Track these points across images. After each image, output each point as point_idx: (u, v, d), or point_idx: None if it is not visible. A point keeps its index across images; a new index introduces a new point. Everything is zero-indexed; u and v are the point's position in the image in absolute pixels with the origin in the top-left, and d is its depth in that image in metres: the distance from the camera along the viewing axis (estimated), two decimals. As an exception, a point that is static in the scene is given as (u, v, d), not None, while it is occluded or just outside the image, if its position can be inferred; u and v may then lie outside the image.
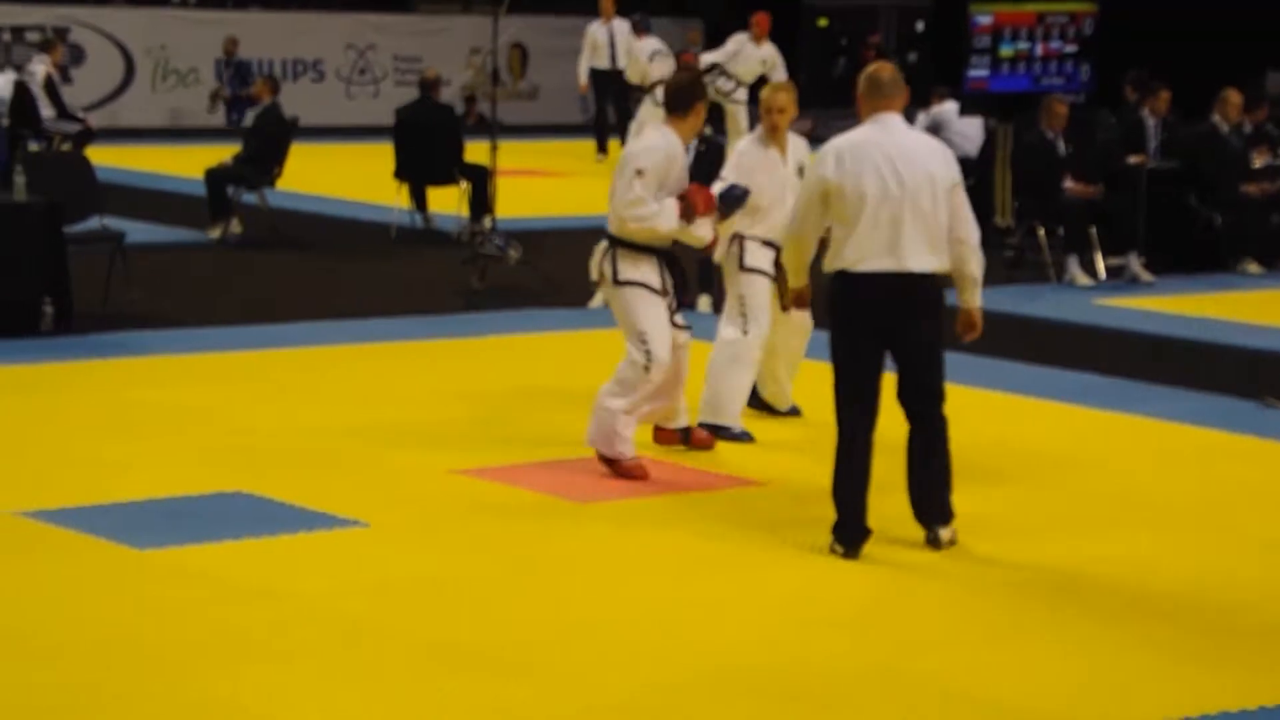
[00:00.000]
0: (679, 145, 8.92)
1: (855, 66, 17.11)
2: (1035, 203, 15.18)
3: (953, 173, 7.73)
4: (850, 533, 7.72)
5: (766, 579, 7.48)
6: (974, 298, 7.86)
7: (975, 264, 7.80)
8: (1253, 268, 15.67)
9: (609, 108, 22.55)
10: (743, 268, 9.62)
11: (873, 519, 7.74)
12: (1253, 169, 16.04)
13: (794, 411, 10.03)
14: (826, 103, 18.92)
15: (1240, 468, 9.61)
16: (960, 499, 7.97)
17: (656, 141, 8.86)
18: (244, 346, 11.67)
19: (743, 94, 20.59)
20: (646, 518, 8.27)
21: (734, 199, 9.32)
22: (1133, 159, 15.89)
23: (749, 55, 20.72)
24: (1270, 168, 16.22)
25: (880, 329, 7.67)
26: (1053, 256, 15.04)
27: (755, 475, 8.95)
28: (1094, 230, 15.03)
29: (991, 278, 14.76)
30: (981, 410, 10.44)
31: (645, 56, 21.34)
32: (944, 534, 7.83)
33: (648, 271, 8.89)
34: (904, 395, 7.82)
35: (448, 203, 16.49)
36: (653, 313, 8.86)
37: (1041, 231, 15.11)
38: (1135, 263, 15.12)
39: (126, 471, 8.73)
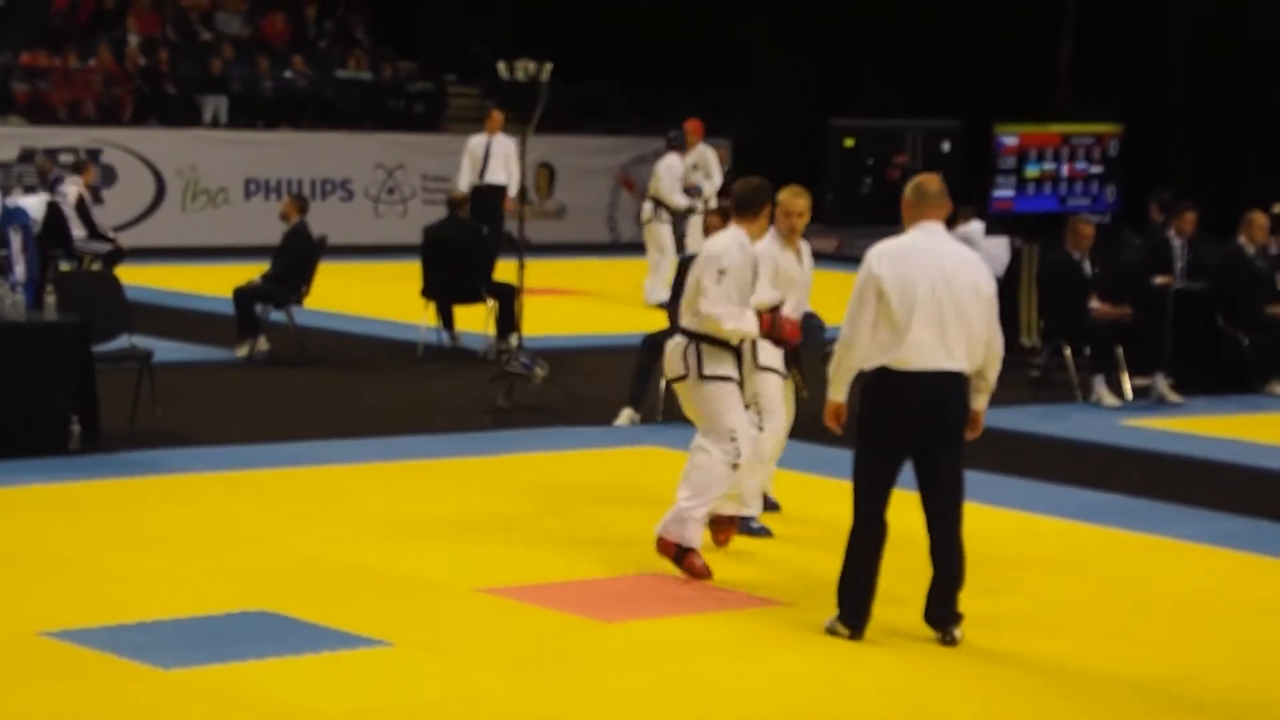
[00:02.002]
0: (751, 247, 9.26)
1: (881, 186, 17.23)
2: (1061, 323, 15.18)
3: (992, 284, 8.12)
4: (856, 618, 8.07)
5: (798, 700, 7.42)
6: (984, 402, 8.23)
7: (996, 373, 8.19)
8: (1280, 389, 15.63)
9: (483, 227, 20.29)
10: (757, 366, 9.79)
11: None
12: (1279, 290, 16.03)
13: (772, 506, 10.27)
14: (853, 221, 19.00)
15: (1270, 590, 9.53)
16: (984, 610, 7.89)
17: (732, 243, 9.15)
18: (270, 465, 11.68)
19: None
20: (674, 638, 8.22)
21: (814, 328, 9.75)
22: (1159, 280, 15.90)
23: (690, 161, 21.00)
24: (1296, 289, 16.21)
25: (917, 428, 7.94)
26: (1079, 377, 15.02)
27: (783, 594, 8.88)
28: (1120, 351, 15.02)
29: (1017, 397, 14.94)
30: (1007, 529, 10.38)
31: (686, 172, 20.88)
32: (955, 634, 8.10)
33: (730, 367, 9.12)
34: (932, 498, 8.08)
35: (474, 321, 16.55)
36: (739, 409, 9.13)
37: (1068, 351, 15.10)
38: (1162, 383, 15.09)
39: (151, 590, 8.72)
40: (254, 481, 11.22)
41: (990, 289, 8.07)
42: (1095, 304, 15.09)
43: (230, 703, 7.17)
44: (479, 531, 10.08)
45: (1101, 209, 16.96)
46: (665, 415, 13.34)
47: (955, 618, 8.15)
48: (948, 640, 8.11)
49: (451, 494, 11.02)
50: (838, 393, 8.11)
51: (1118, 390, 14.97)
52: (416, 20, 30.25)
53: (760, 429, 9.74)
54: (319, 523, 10.19)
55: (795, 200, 10.08)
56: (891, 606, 8.38)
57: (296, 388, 14.84)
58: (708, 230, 13.69)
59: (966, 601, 8.35)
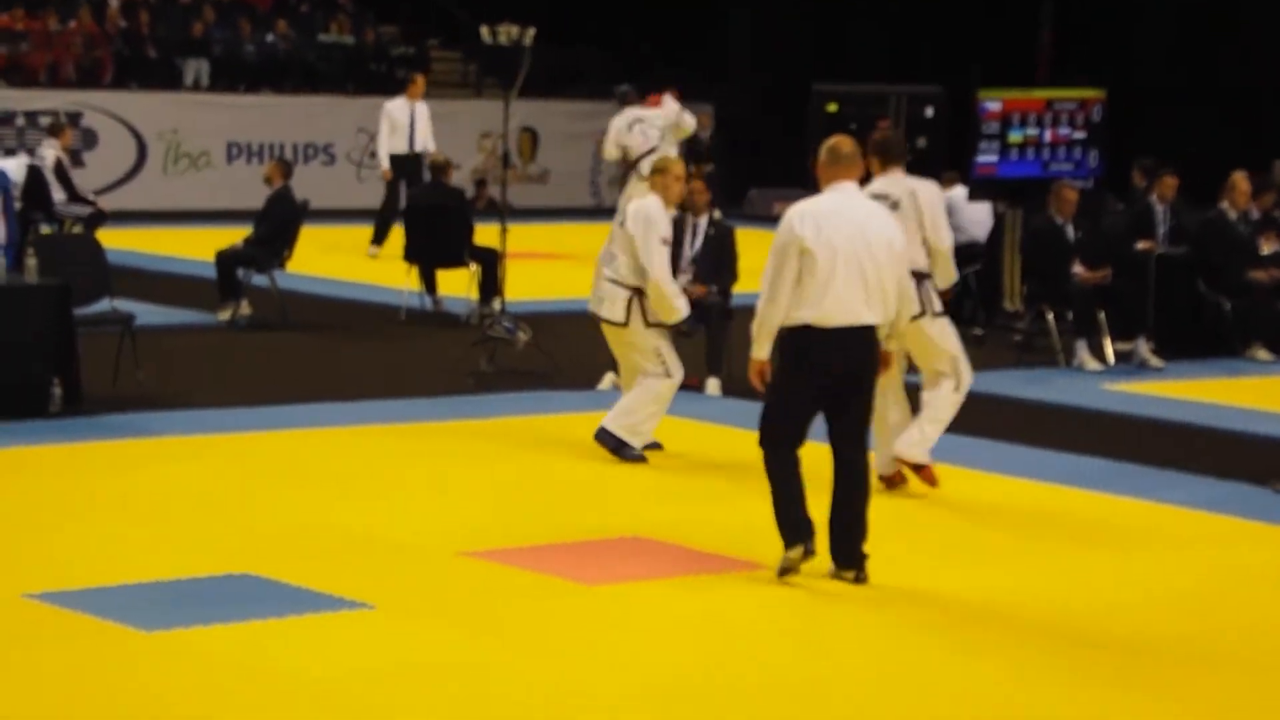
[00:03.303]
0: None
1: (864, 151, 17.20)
2: (1044, 287, 15.20)
3: (902, 239, 8.61)
4: (799, 532, 8.34)
5: (773, 662, 7.44)
6: (896, 344, 8.83)
7: (906, 318, 8.92)
8: (1261, 354, 15.65)
9: (401, 195, 20.18)
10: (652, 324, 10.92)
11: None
12: (1260, 255, 16.05)
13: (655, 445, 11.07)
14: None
15: (1249, 552, 9.57)
16: (955, 576, 7.90)
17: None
18: (253, 428, 11.67)
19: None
20: (656, 601, 8.23)
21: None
22: (1142, 245, 15.91)
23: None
24: (1277, 254, 16.24)
25: (835, 380, 8.32)
26: (1062, 341, 15.05)
27: (765, 557, 8.90)
28: (1103, 315, 15.03)
29: (1000, 361, 14.96)
30: (989, 493, 10.41)
31: (625, 127, 21.05)
32: (855, 577, 8.40)
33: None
34: (840, 443, 8.42)
35: (457, 285, 16.53)
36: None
37: (1050, 316, 15.12)
38: (1144, 348, 15.12)
39: (133, 553, 8.72)
40: (236, 445, 11.21)
41: (901, 243, 8.54)
42: (1078, 269, 15.10)
43: (211, 664, 7.17)
44: (462, 495, 10.08)
45: (1084, 174, 16.96)
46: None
47: (862, 557, 8.43)
48: (860, 579, 8.38)
49: (434, 457, 11.02)
50: (762, 350, 8.43)
51: (1100, 355, 14.99)
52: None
53: (669, 375, 10.88)
54: (301, 486, 10.18)
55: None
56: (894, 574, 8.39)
57: (279, 351, 14.82)
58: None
59: (953, 567, 8.33)
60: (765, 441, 8.43)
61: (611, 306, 10.91)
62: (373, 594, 8.10)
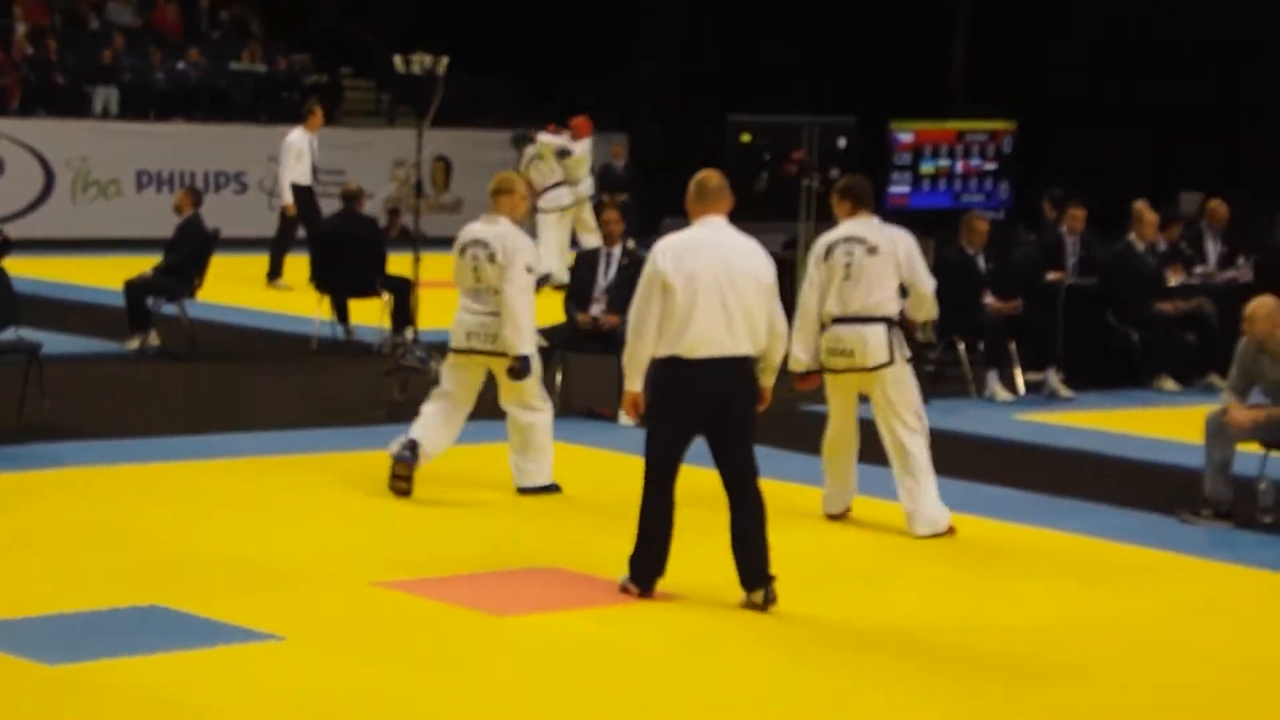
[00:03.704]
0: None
1: (777, 181, 17.25)
2: (956, 318, 15.28)
3: (772, 272, 8.59)
4: (649, 573, 8.57)
5: (680, 692, 7.42)
6: (770, 379, 8.71)
7: (780, 354, 8.76)
8: (1169, 385, 15.80)
9: (297, 228, 20.23)
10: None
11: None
12: (1167, 287, 16.22)
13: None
14: (749, 216, 19.02)
15: (1157, 582, 9.64)
16: (866, 604, 7.91)
17: None
18: (162, 458, 11.55)
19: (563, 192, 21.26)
20: (566, 632, 8.20)
21: None
22: (1052, 276, 16.04)
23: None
24: (1184, 286, 16.41)
25: (707, 411, 8.40)
26: (973, 372, 15.13)
27: (676, 587, 8.88)
28: (1014, 346, 15.14)
29: (912, 392, 14.96)
30: (899, 522, 10.43)
31: (525, 165, 21.51)
32: (764, 596, 8.48)
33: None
34: (728, 473, 8.51)
35: (370, 315, 16.45)
36: None
37: (962, 346, 15.21)
38: (1054, 378, 15.23)
39: (38, 585, 8.60)
40: (144, 475, 11.09)
41: (770, 277, 8.54)
42: (989, 300, 15.20)
43: (118, 698, 7.08)
44: (373, 525, 10.02)
45: (995, 205, 17.11)
46: (561, 409, 13.32)
47: (769, 578, 8.53)
48: (769, 599, 8.47)
49: (345, 488, 10.94)
50: (633, 383, 8.54)
51: (1011, 385, 15.09)
52: (311, 13, 30.06)
53: (547, 410, 10.83)
54: (211, 517, 10.08)
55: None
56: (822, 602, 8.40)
57: (188, 381, 14.69)
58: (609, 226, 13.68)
59: (863, 596, 8.33)
60: (646, 471, 8.55)
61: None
62: (283, 625, 8.02)
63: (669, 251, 8.44)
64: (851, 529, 10.41)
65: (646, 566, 8.60)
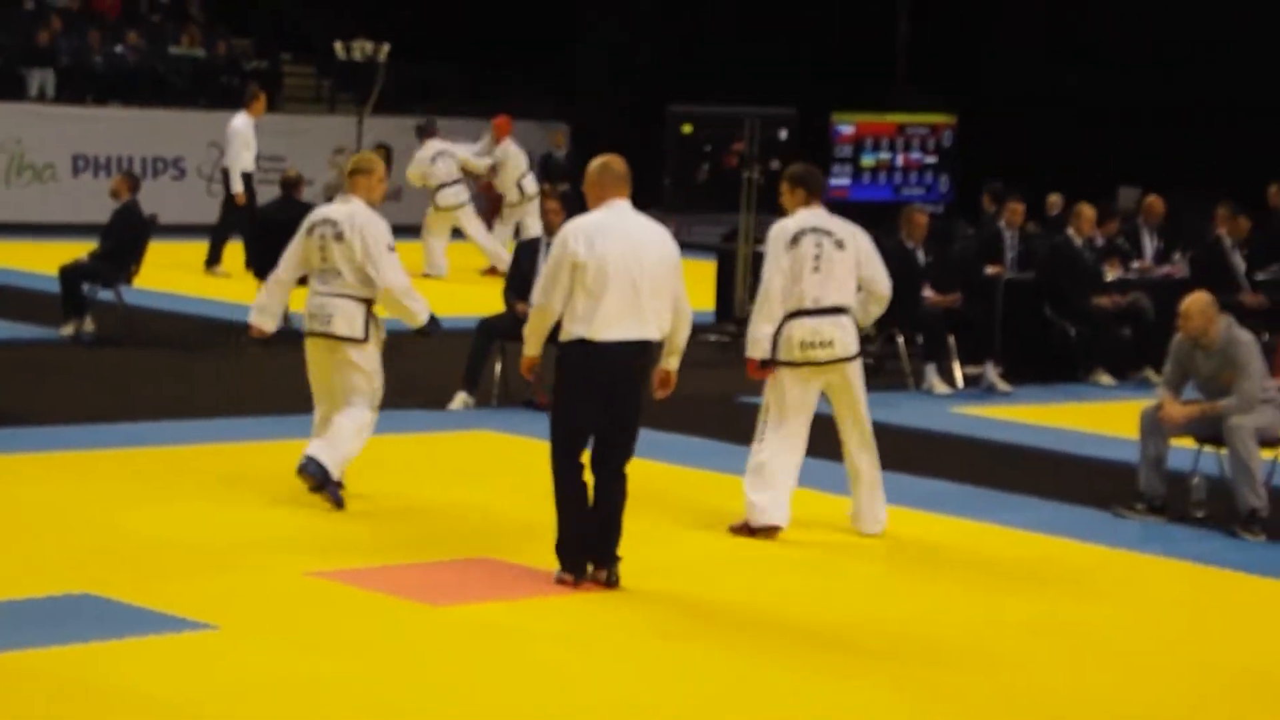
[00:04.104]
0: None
1: (718, 173, 17.25)
2: (894, 311, 15.25)
3: (677, 255, 8.69)
4: (576, 563, 8.63)
5: (615, 683, 7.42)
6: (676, 361, 8.85)
7: (685, 336, 8.82)
8: (1105, 379, 15.88)
9: (243, 216, 19.68)
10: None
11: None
12: (1105, 282, 16.31)
13: None
14: (690, 207, 19.07)
15: (1090, 575, 9.69)
16: (797, 598, 7.90)
17: None
18: (95, 445, 11.46)
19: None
20: (502, 622, 8.18)
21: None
22: (990, 270, 16.10)
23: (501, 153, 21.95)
24: (1121, 281, 16.50)
25: (609, 391, 8.50)
26: (911, 365, 15.18)
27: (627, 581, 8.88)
28: (952, 339, 15.19)
29: (850, 385, 14.99)
30: (835, 515, 10.46)
31: (428, 158, 21.55)
32: (607, 576, 8.64)
33: None
34: (605, 451, 8.64)
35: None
36: None
37: (900, 339, 15.24)
38: (992, 372, 15.29)
39: (-31, 572, 8.52)
40: (78, 462, 11.00)
41: (676, 259, 8.65)
42: (928, 293, 15.25)
43: (51, 687, 7.02)
44: (308, 514, 9.96)
45: (935, 199, 17.18)
46: (500, 399, 13.30)
47: (616, 558, 8.66)
48: (612, 580, 8.61)
49: (280, 477, 10.87)
50: (534, 349, 8.79)
51: (949, 378, 15.14)
52: (251, -3, 29.89)
53: (372, 409, 10.28)
54: (144, 504, 10.01)
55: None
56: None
57: (124, 368, 14.58)
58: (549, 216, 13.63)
59: (795, 590, 8.34)
60: (553, 454, 8.64)
61: (349, 323, 10.10)
62: (217, 614, 7.97)
63: (580, 234, 8.51)
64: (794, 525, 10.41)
65: (572, 550, 8.65)
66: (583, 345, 8.49)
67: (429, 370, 13.93)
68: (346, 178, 10.41)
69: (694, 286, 19.91)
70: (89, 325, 15.62)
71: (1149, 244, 17.49)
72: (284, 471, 11.00)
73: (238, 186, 20.06)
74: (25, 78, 25.96)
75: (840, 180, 16.88)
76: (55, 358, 14.84)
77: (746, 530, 9.91)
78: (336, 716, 6.88)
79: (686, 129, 17.38)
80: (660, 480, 10.80)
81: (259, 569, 8.82)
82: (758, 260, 17.55)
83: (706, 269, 18.74)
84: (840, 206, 17.06)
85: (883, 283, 10.16)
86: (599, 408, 8.54)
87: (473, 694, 7.25)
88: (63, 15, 26.96)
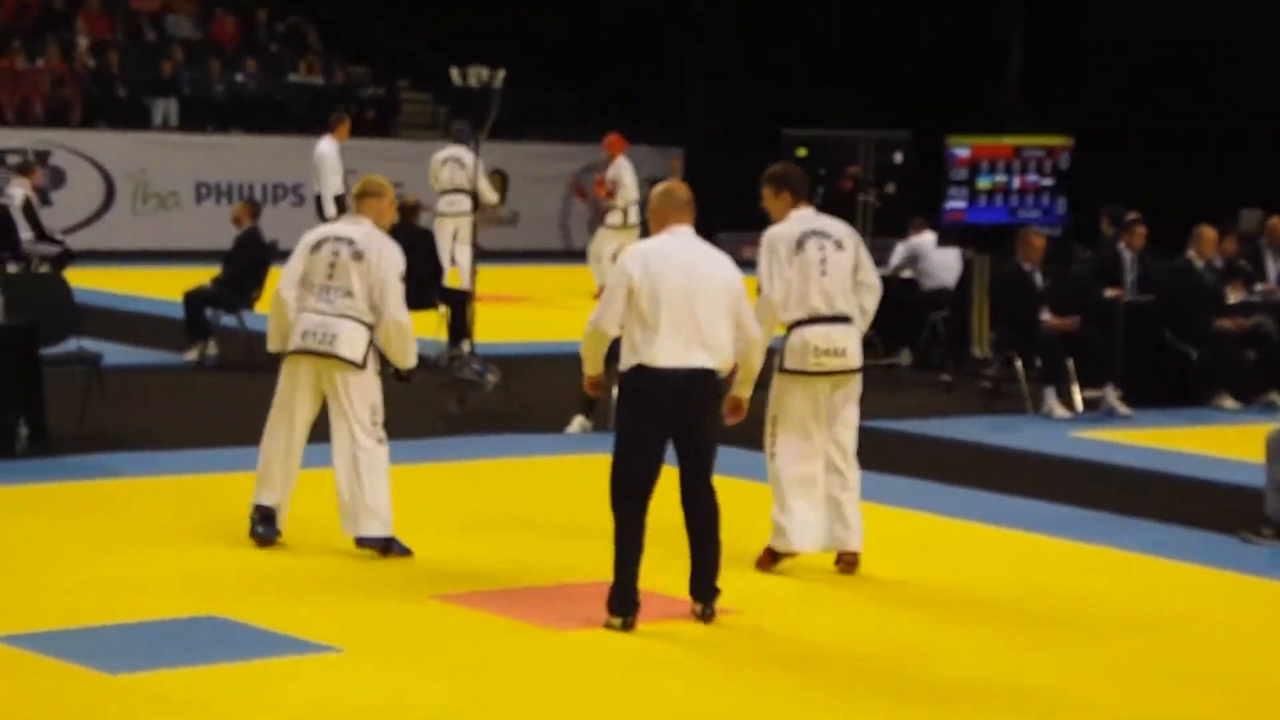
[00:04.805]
0: None
1: (833, 197, 17.24)
2: (1012, 334, 15.24)
3: (739, 280, 8.49)
4: (625, 603, 8.33)
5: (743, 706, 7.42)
6: (748, 390, 8.62)
7: (759, 359, 8.61)
8: (1228, 402, 15.70)
9: None
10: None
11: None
12: (1227, 304, 16.13)
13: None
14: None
15: (1219, 602, 9.58)
16: (935, 629, 7.88)
17: None
18: (219, 469, 11.61)
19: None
20: (624, 647, 8.19)
21: None
22: (1109, 292, 15.97)
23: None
24: (1244, 303, 16.32)
25: (672, 420, 8.32)
26: (1030, 388, 15.07)
27: (731, 603, 8.87)
28: (1071, 362, 15.08)
29: (969, 408, 14.99)
30: (956, 539, 10.41)
31: (440, 160, 21.33)
32: (712, 609, 8.49)
33: None
34: (686, 480, 8.46)
35: (427, 327, 16.49)
36: None
37: (1019, 363, 15.15)
38: (1112, 395, 15.16)
39: (101, 595, 8.65)
40: (203, 486, 11.15)
41: (738, 285, 8.44)
42: (1046, 316, 15.15)
43: (177, 708, 7.12)
44: (432, 538, 10.03)
45: (1052, 221, 17.02)
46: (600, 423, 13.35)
47: (714, 592, 8.51)
48: (707, 614, 8.46)
49: (404, 500, 10.95)
50: (593, 368, 8.57)
51: (1068, 402, 15.02)
52: (369, 25, 30.19)
53: (381, 442, 9.77)
54: (269, 528, 10.11)
55: None
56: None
57: (246, 392, 14.72)
58: None
59: (915, 613, 8.31)
60: (613, 490, 8.41)
61: (353, 346, 9.53)
62: (342, 637, 8.05)
63: (637, 257, 8.40)
64: (898, 545, 10.35)
65: (623, 592, 8.33)
66: (640, 372, 8.31)
67: (547, 395, 14.00)
68: (355, 199, 9.94)
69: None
70: (212, 350, 15.82)
71: (1272, 266, 17.27)
72: (406, 494, 11.09)
73: (331, 210, 20.00)
74: (150, 108, 26.38)
75: (956, 203, 16.78)
76: (180, 382, 15.05)
77: (770, 557, 9.52)
78: (461, 739, 6.93)
79: (801, 153, 17.37)
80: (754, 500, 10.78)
81: (384, 592, 8.89)
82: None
83: (822, 293, 18.68)
84: (957, 229, 17.08)
85: (874, 273, 9.69)
86: (661, 438, 8.34)
87: (596, 717, 7.27)
88: (184, 46, 27.38)
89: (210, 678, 7.49)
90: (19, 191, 18.90)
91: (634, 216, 22.09)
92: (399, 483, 11.38)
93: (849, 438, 9.66)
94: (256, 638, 8.04)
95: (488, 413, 13.79)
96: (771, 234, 9.51)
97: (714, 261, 8.47)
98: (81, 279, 15.98)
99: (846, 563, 9.59)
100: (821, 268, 9.46)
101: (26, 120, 25.42)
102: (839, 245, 9.55)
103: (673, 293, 8.27)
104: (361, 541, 9.53)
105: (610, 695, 7.54)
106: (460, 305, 15.70)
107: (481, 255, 15.21)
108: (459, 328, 15.71)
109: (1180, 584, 9.88)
